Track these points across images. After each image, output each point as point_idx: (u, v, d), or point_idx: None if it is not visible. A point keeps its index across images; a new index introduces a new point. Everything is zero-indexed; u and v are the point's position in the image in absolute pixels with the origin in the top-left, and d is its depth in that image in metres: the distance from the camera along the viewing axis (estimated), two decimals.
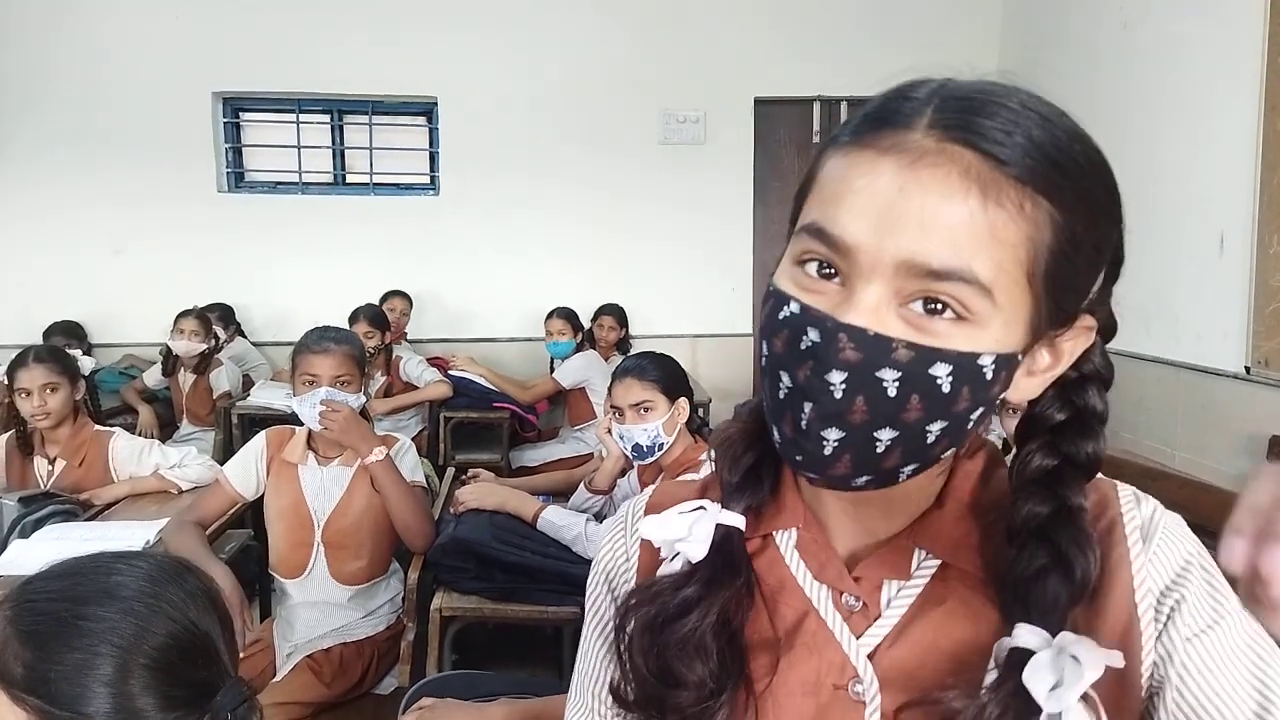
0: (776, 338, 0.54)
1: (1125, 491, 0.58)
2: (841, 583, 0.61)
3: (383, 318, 4.00)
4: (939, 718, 0.53)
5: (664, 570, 0.64)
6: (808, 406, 0.51)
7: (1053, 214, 0.50)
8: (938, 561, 0.59)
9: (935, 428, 0.52)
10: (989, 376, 0.51)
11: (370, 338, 3.79)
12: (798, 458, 0.54)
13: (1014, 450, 0.60)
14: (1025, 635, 0.52)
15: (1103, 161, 0.53)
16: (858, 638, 0.59)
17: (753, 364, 4.64)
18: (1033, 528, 0.55)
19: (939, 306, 0.50)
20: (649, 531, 0.64)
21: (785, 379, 0.53)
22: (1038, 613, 0.52)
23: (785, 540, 0.64)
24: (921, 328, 0.50)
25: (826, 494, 0.61)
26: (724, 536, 0.62)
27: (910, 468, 0.54)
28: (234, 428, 3.74)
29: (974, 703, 0.51)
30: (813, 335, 0.51)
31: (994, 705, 0.51)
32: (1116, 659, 0.50)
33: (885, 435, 0.51)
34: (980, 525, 0.59)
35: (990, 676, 0.53)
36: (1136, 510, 0.57)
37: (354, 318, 3.87)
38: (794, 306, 0.53)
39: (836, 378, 0.50)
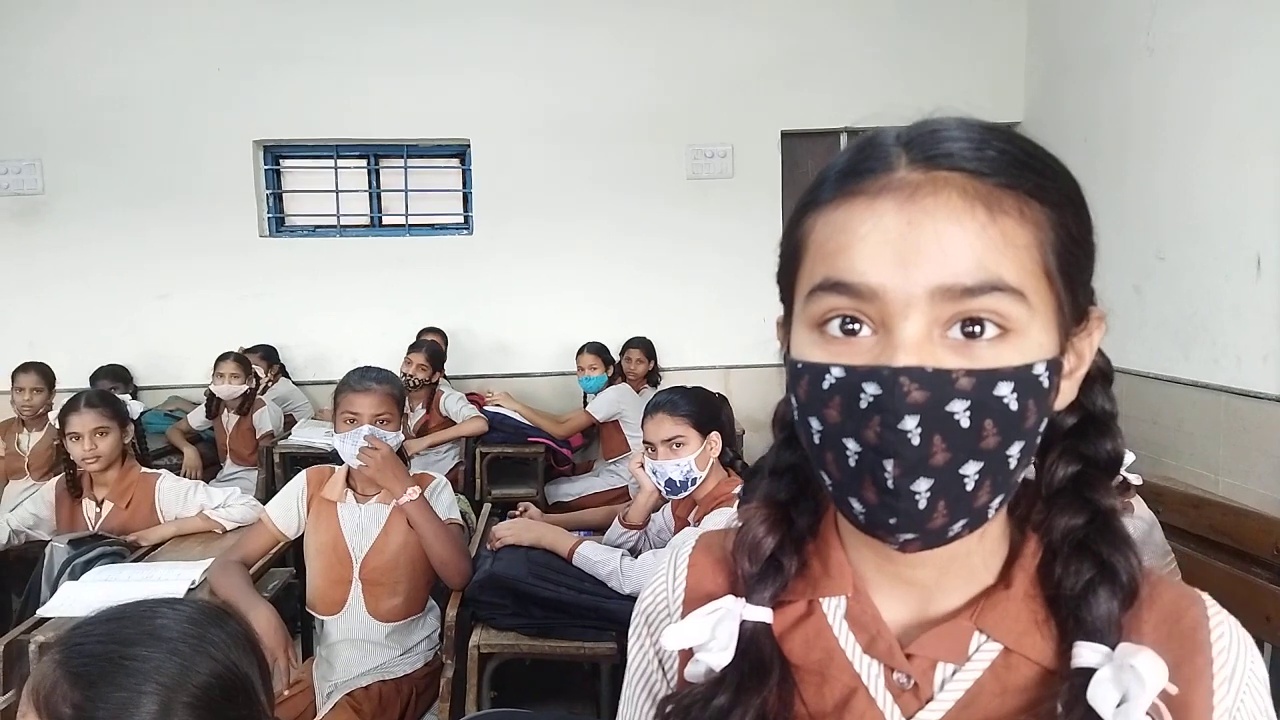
0: (828, 408, 0.52)
1: (1212, 602, 0.58)
2: (893, 659, 0.58)
3: (440, 355, 4.12)
4: None
5: (690, 669, 0.61)
6: (889, 464, 0.49)
7: (1046, 213, 0.51)
8: (998, 646, 0.56)
9: (1014, 450, 0.50)
10: (1045, 385, 0.51)
11: (423, 370, 3.98)
12: (891, 520, 0.51)
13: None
14: (1085, 653, 0.52)
15: (1056, 157, 0.54)
16: (907, 719, 0.56)
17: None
18: (1073, 542, 0.56)
19: (978, 329, 0.49)
20: (671, 641, 0.61)
21: (852, 445, 0.51)
22: (1094, 628, 0.53)
23: (833, 609, 0.61)
24: (969, 353, 0.49)
25: (881, 560, 0.59)
26: (751, 633, 0.60)
27: (997, 500, 0.52)
28: (275, 466, 3.81)
29: None
30: (871, 390, 0.49)
31: None
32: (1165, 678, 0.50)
33: (971, 469, 0.49)
34: (1049, 609, 0.56)
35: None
36: (1224, 623, 0.56)
37: (414, 348, 4.05)
38: (837, 371, 0.51)
39: (910, 423, 0.48)
